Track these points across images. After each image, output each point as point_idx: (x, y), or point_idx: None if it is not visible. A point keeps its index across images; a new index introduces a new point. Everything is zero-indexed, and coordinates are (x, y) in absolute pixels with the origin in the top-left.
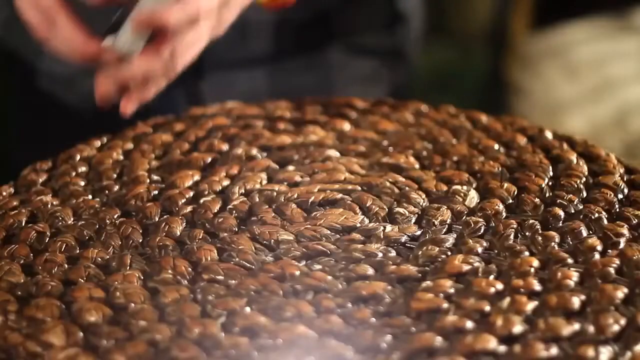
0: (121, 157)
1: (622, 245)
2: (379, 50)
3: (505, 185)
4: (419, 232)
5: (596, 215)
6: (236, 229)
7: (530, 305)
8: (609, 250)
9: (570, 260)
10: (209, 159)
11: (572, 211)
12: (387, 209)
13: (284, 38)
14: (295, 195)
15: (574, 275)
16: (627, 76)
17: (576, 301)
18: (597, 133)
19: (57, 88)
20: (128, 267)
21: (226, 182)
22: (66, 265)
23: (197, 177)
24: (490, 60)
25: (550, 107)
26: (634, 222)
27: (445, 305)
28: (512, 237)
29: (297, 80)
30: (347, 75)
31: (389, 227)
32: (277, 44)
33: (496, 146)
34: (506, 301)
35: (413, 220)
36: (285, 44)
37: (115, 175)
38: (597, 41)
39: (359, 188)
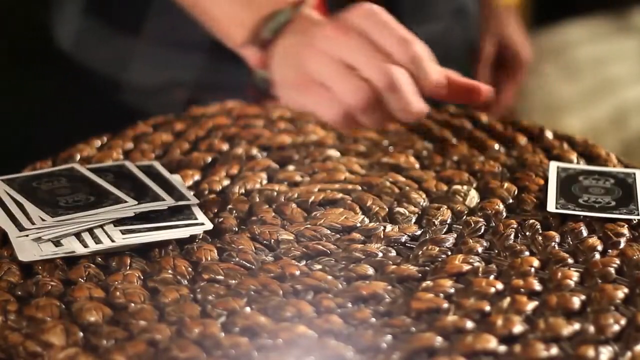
0: (121, 157)
1: (622, 245)
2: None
3: (506, 185)
4: (419, 232)
5: None
6: (236, 229)
7: (531, 305)
8: (609, 250)
9: (570, 260)
10: (209, 159)
11: None
12: (387, 209)
13: None
14: (295, 195)
15: (574, 275)
16: (626, 76)
17: (576, 301)
18: (596, 133)
19: (141, 99)
20: (128, 267)
21: (226, 182)
22: (66, 266)
23: (197, 177)
24: None
25: (549, 107)
26: (634, 222)
27: (446, 305)
28: (512, 237)
29: None
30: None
31: (389, 227)
32: None
33: (496, 146)
34: (506, 301)
35: (413, 220)
36: None
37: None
38: (596, 41)
39: (359, 188)
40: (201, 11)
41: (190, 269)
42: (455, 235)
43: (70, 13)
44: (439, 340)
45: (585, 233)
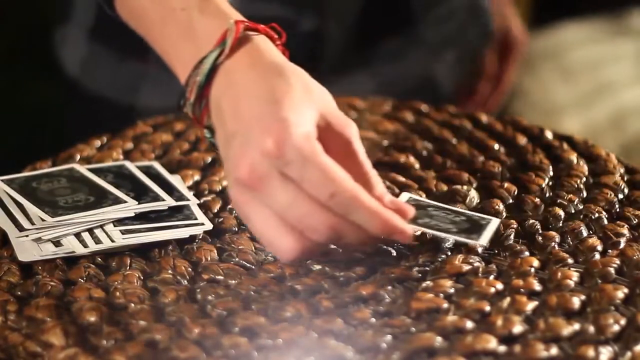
0: (121, 157)
1: (622, 245)
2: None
3: (506, 185)
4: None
5: (596, 215)
6: (236, 229)
7: (530, 305)
8: (609, 250)
9: (570, 260)
10: (209, 159)
11: (572, 211)
12: None
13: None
14: None
15: (574, 275)
16: (624, 78)
17: (576, 301)
18: (593, 135)
19: None
20: (128, 267)
21: (226, 182)
22: (66, 266)
23: (197, 177)
24: None
25: (546, 109)
26: (634, 222)
27: (445, 305)
28: (512, 237)
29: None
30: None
31: None
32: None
33: (496, 146)
34: (506, 301)
35: None
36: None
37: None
38: (594, 43)
39: None
40: (152, 43)
41: (190, 269)
42: None
43: (75, 38)
44: (439, 340)
45: (585, 233)
